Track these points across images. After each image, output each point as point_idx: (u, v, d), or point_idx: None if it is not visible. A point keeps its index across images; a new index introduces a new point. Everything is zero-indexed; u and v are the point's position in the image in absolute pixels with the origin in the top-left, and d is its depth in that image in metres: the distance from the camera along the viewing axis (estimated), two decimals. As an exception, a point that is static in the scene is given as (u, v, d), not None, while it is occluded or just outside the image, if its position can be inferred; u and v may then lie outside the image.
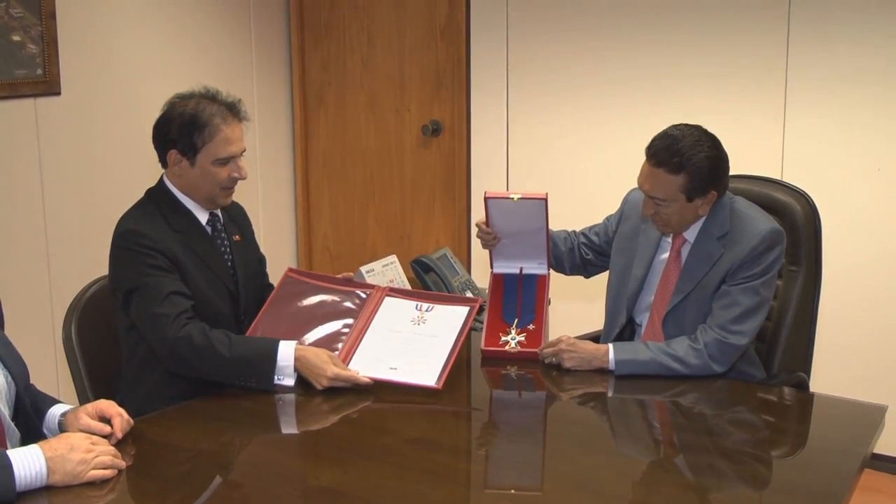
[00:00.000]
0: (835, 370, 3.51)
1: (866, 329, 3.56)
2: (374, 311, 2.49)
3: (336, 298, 2.51)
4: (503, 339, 2.52)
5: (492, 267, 2.68)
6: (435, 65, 4.41)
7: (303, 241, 4.71)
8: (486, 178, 4.30)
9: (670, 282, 2.52)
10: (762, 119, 3.65)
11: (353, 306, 2.50)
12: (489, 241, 2.63)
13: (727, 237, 2.45)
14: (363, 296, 2.54)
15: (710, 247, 2.47)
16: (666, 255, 2.56)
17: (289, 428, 2.23)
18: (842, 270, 3.50)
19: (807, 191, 2.75)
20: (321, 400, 2.24)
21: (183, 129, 2.36)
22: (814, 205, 2.72)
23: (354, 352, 2.37)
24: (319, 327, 2.44)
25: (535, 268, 2.65)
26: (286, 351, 2.26)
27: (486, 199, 2.54)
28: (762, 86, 3.64)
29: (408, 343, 2.41)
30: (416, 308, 2.52)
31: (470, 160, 4.37)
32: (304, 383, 2.28)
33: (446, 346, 2.38)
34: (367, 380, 2.26)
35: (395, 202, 4.62)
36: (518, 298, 2.60)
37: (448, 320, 2.47)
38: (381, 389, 2.27)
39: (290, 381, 2.26)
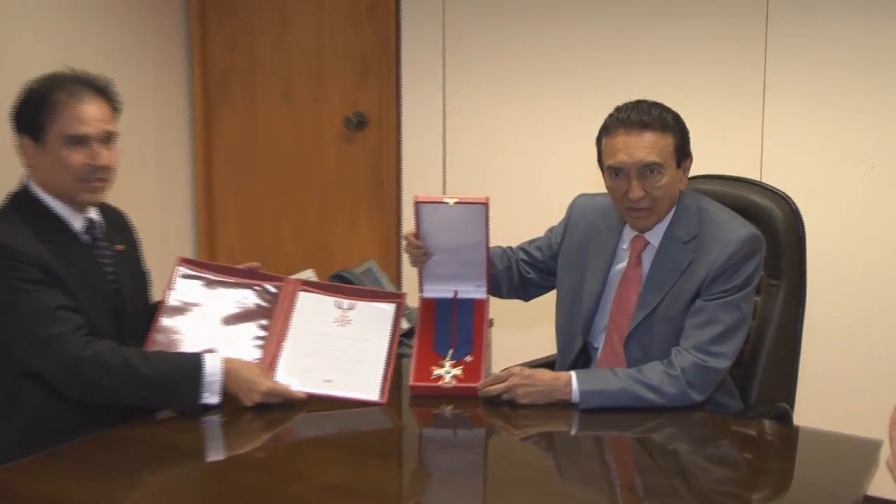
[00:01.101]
0: (822, 400, 3.52)
1: (858, 352, 3.59)
2: (291, 309, 2.53)
3: (244, 295, 2.55)
4: (436, 372, 2.51)
5: (421, 290, 2.66)
6: (360, 48, 4.41)
7: (204, 253, 4.69)
8: (420, 180, 4.30)
9: (631, 295, 2.52)
10: (736, 111, 3.68)
11: (265, 304, 2.54)
12: (419, 257, 2.61)
13: (696, 242, 2.47)
14: (274, 290, 2.57)
15: (676, 252, 2.48)
16: (623, 265, 2.56)
17: (195, 462, 2.19)
18: (829, 284, 3.52)
19: (788, 193, 2.76)
20: (251, 417, 2.30)
21: (30, 107, 2.36)
22: (796, 209, 2.73)
23: (278, 361, 2.44)
24: (230, 333, 2.48)
25: (473, 291, 2.64)
26: (213, 365, 2.30)
27: (416, 203, 2.52)
28: (736, 73, 3.66)
29: (337, 349, 2.48)
30: (337, 305, 2.57)
31: (400, 158, 4.37)
32: (227, 398, 2.34)
33: (381, 353, 2.49)
34: (303, 395, 2.36)
35: (314, 208, 4.60)
36: (453, 326, 2.59)
37: (374, 320, 2.56)
38: (314, 404, 2.36)
39: (215, 399, 2.31)
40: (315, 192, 4.59)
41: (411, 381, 2.48)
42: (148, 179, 4.41)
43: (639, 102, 2.46)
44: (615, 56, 3.87)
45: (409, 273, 3.97)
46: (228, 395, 2.32)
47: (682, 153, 2.46)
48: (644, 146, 2.41)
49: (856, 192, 3.54)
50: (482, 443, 2.37)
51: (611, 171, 2.46)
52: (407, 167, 4.36)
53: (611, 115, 2.48)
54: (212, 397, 2.29)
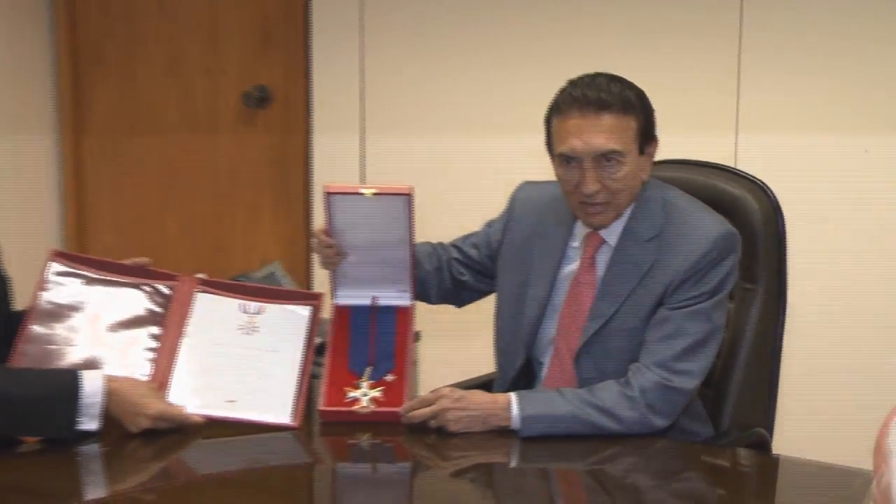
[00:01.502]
0: (806, 424, 3.57)
1: (848, 368, 3.64)
2: (186, 314, 2.54)
3: (131, 297, 2.55)
4: (351, 395, 2.50)
5: (334, 296, 2.65)
6: (261, 10, 4.42)
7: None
8: (333, 167, 4.30)
9: (583, 303, 2.53)
10: (709, 88, 3.71)
11: (157, 308, 2.55)
12: (331, 258, 2.60)
13: (661, 240, 2.48)
14: (167, 291, 2.57)
15: (637, 252, 2.49)
16: (575, 266, 2.56)
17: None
18: (815, 288, 3.57)
19: (766, 181, 2.78)
20: (137, 446, 2.28)
21: None
22: (775, 200, 2.75)
23: (171, 378, 2.45)
24: (113, 343, 2.48)
25: (395, 297, 2.64)
26: (92, 384, 2.28)
27: (326, 194, 2.51)
28: (709, 44, 3.70)
29: (241, 362, 2.50)
30: (242, 309, 2.58)
31: (311, 142, 4.37)
32: (110, 425, 2.32)
33: (294, 366, 2.50)
34: (200, 418, 2.37)
35: (207, 200, 4.59)
36: (371, 339, 2.58)
37: (286, 326, 2.57)
38: (213, 427, 2.37)
39: (94, 425, 2.28)
40: (208, 182, 4.57)
41: (321, 405, 2.47)
42: (3, 167, 4.36)
43: (596, 76, 2.46)
44: (568, 22, 3.90)
45: (320, 277, 3.95)
46: (110, 419, 2.29)
47: (647, 137, 2.47)
48: (601, 131, 2.41)
49: (847, 180, 3.59)
50: (406, 479, 2.36)
51: (562, 159, 2.46)
52: (318, 152, 4.36)
53: (562, 91, 2.47)
54: (90, 423, 2.27)
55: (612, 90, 2.42)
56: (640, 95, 2.46)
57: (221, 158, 4.55)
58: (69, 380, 2.28)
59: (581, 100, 2.41)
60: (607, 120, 2.41)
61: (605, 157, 2.41)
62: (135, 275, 2.58)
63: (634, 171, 2.46)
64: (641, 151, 2.46)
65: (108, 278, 2.56)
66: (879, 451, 0.97)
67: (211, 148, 4.56)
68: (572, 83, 2.47)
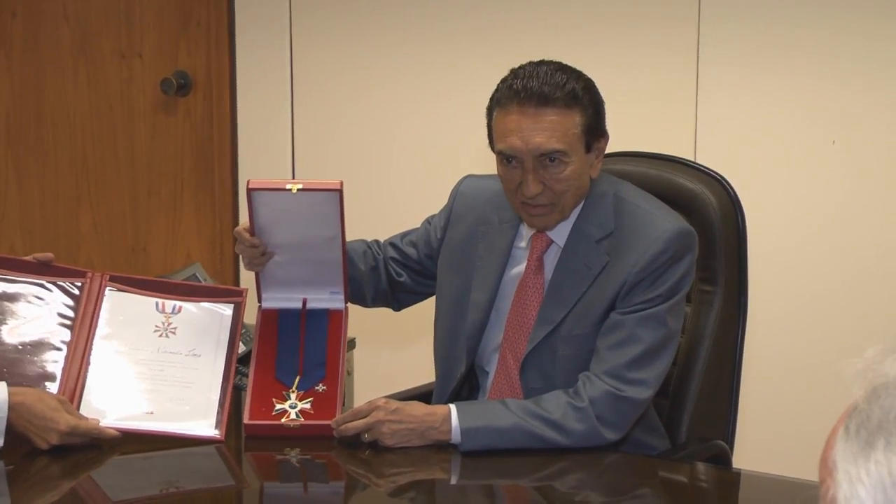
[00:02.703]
0: (768, 436, 3.61)
1: (814, 376, 3.67)
2: (96, 314, 2.53)
3: (35, 297, 2.52)
4: (278, 407, 2.49)
5: (260, 299, 2.65)
6: (181, -13, 4.41)
7: (-26, 256, 4.57)
8: (261, 160, 4.30)
9: (530, 308, 2.54)
10: (664, 74, 3.74)
11: (64, 309, 2.53)
12: (256, 258, 2.59)
13: (612, 240, 2.49)
14: (75, 291, 2.55)
15: (587, 253, 2.50)
16: (521, 269, 2.57)
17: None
18: (776, 290, 3.60)
19: (724, 174, 2.80)
20: (46, 464, 2.26)
21: None
22: (734, 194, 2.77)
23: (82, 388, 2.42)
24: (16, 350, 2.45)
25: (327, 299, 2.64)
26: None
27: (249, 190, 2.50)
28: (664, 27, 3.72)
29: (158, 368, 2.48)
30: (158, 308, 2.56)
31: (236, 132, 4.37)
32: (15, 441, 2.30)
33: (216, 372, 2.50)
34: (115, 433, 2.35)
35: (122, 196, 4.57)
36: (300, 345, 2.58)
37: (207, 327, 2.56)
38: (131, 441, 2.35)
39: None
40: (123, 176, 4.55)
41: (246, 419, 2.46)
42: None
43: (539, 64, 2.45)
44: (516, 7, 3.90)
45: (247, 281, 3.94)
46: (15, 435, 2.27)
47: (594, 133, 2.46)
48: (543, 128, 2.41)
49: (811, 173, 3.62)
50: (339, 499, 2.37)
51: (501, 157, 2.47)
52: (244, 143, 4.36)
53: (503, 82, 2.47)
54: None
55: (556, 82, 2.40)
56: (588, 87, 2.45)
57: (138, 151, 4.52)
58: None
59: (521, 93, 2.41)
60: (549, 116, 2.40)
61: (548, 157, 2.42)
62: (38, 272, 2.55)
63: (580, 171, 2.46)
64: (588, 149, 2.46)
65: (9, 277, 2.53)
66: (825, 465, 1.00)
67: (127, 139, 4.52)
68: (514, 73, 2.46)
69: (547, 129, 2.40)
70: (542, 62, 2.47)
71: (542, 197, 2.45)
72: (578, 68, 2.49)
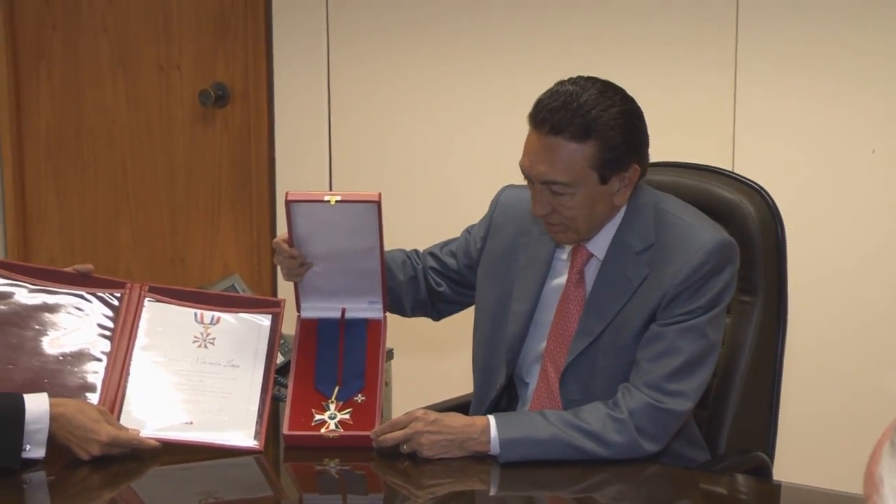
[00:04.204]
0: (810, 448, 3.58)
1: (855, 387, 3.64)
2: (136, 325, 2.53)
3: (76, 308, 2.53)
4: (318, 418, 2.49)
5: (298, 309, 2.65)
6: (218, 0, 4.40)
7: (15, 265, 4.61)
8: (298, 171, 4.30)
9: (570, 319, 2.53)
10: (702, 85, 3.73)
11: (104, 320, 2.53)
12: (295, 269, 2.60)
13: (653, 252, 2.48)
14: (114, 301, 2.55)
15: (628, 265, 2.49)
16: (562, 280, 2.57)
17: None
18: (817, 301, 3.58)
19: (763, 185, 2.79)
20: (87, 474, 2.26)
21: None
22: (774, 205, 2.76)
23: (123, 399, 2.43)
24: (57, 361, 2.45)
25: (366, 309, 2.64)
26: (37, 408, 2.27)
27: (287, 202, 2.51)
28: (703, 38, 3.71)
29: (197, 378, 2.49)
30: (197, 319, 2.57)
31: (273, 143, 4.37)
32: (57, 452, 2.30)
33: (255, 382, 2.50)
34: (155, 443, 2.36)
35: (161, 207, 4.59)
36: (339, 356, 2.58)
37: (246, 337, 2.56)
38: (171, 451, 2.36)
39: (39, 453, 2.27)
40: (162, 187, 4.57)
41: (286, 430, 2.46)
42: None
43: (562, 89, 2.43)
44: (556, 17, 3.90)
45: (285, 291, 3.94)
46: (56, 446, 2.28)
47: (613, 166, 2.42)
48: (546, 159, 2.40)
49: (851, 183, 3.60)
50: (379, 511, 2.37)
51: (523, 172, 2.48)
52: (282, 154, 4.36)
53: (540, 97, 2.46)
54: (36, 450, 2.26)
55: (575, 109, 2.38)
56: (618, 116, 2.40)
57: (177, 162, 4.54)
58: (12, 404, 2.26)
59: (539, 115, 2.40)
60: (554, 147, 2.39)
61: (551, 186, 2.42)
62: (79, 283, 2.55)
63: (591, 200, 2.43)
64: (604, 180, 2.43)
65: (50, 288, 2.54)
66: (871, 480, 1.00)
67: (165, 151, 4.54)
68: (550, 90, 2.45)
69: (549, 160, 2.40)
70: (576, 81, 2.44)
71: (552, 217, 2.46)
72: (622, 86, 2.46)
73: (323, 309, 2.64)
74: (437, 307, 2.81)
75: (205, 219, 4.54)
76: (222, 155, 4.49)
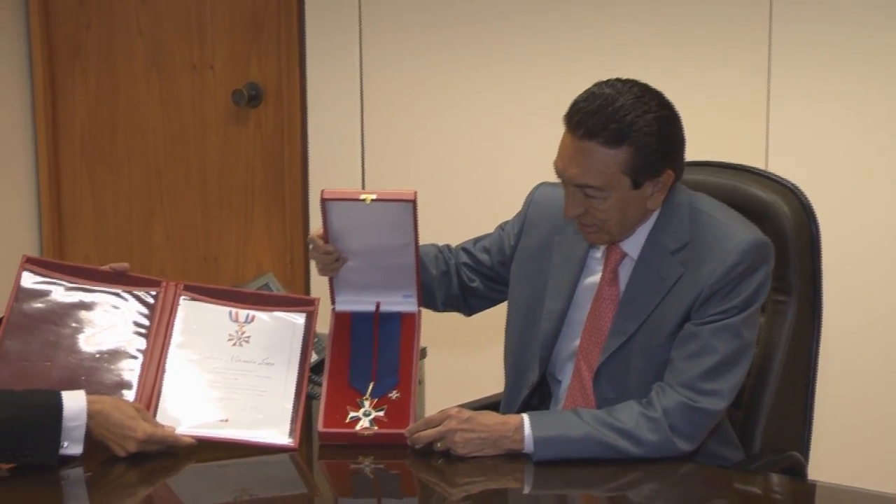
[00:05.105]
0: (845, 447, 3.57)
1: (888, 387, 3.63)
2: (171, 323, 2.55)
3: (112, 306, 2.55)
4: (352, 415, 2.50)
5: (333, 302, 2.66)
6: (252, 0, 4.42)
7: (50, 266, 4.62)
8: (331, 170, 4.31)
9: (604, 318, 2.54)
10: (735, 82, 3.72)
11: (139, 318, 2.55)
12: (329, 264, 2.60)
13: (688, 251, 2.49)
14: (150, 300, 2.56)
15: (662, 265, 2.49)
16: (596, 279, 2.57)
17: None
18: (852, 300, 3.56)
19: (798, 184, 2.79)
20: (123, 471, 2.28)
21: None
22: (808, 204, 2.76)
23: (159, 396, 2.45)
24: (94, 358, 2.47)
25: (400, 302, 2.64)
26: (74, 405, 2.28)
27: (323, 200, 2.52)
28: (736, 36, 3.71)
29: (233, 378, 2.50)
30: (231, 317, 2.58)
31: (306, 143, 4.38)
32: (93, 449, 2.31)
33: (290, 380, 2.51)
34: (191, 440, 2.37)
35: (194, 206, 4.61)
36: (374, 351, 2.58)
37: (280, 336, 2.57)
38: (206, 449, 2.37)
39: (77, 450, 2.28)
40: (196, 186, 4.59)
41: (321, 427, 2.47)
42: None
43: (598, 91, 2.43)
44: (589, 15, 3.90)
45: (319, 289, 3.95)
46: (93, 443, 2.30)
47: (646, 171, 2.42)
48: (579, 162, 2.41)
49: (887, 182, 3.58)
50: (412, 508, 2.38)
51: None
52: (315, 154, 4.37)
53: (575, 99, 2.45)
54: (74, 447, 2.27)
55: (609, 114, 2.38)
56: (653, 122, 2.40)
57: (210, 161, 4.56)
58: (50, 402, 2.28)
59: (574, 117, 2.41)
60: (587, 151, 2.39)
61: (583, 189, 2.42)
62: (114, 282, 2.57)
63: (623, 204, 2.44)
64: (637, 185, 2.43)
65: (86, 286, 2.56)
66: None
67: (198, 150, 4.56)
68: (586, 92, 2.44)
69: (580, 164, 2.41)
70: (613, 83, 2.44)
71: (585, 219, 2.47)
72: (658, 89, 2.46)
73: (357, 303, 2.64)
74: (469, 303, 2.81)
75: (238, 218, 4.56)
76: (255, 154, 4.50)
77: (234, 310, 2.60)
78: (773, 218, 2.70)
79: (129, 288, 2.57)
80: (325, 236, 2.57)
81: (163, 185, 4.63)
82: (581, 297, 2.58)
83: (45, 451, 2.26)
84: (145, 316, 2.55)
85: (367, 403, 2.51)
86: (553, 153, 2.47)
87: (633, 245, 2.52)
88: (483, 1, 4.05)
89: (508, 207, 2.81)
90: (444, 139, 4.18)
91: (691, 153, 2.61)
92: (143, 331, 2.53)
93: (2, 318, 2.50)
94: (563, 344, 2.59)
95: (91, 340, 2.50)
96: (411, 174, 4.11)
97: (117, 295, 2.56)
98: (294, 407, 2.47)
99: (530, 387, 2.61)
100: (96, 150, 4.67)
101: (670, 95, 2.49)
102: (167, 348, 2.52)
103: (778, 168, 3.09)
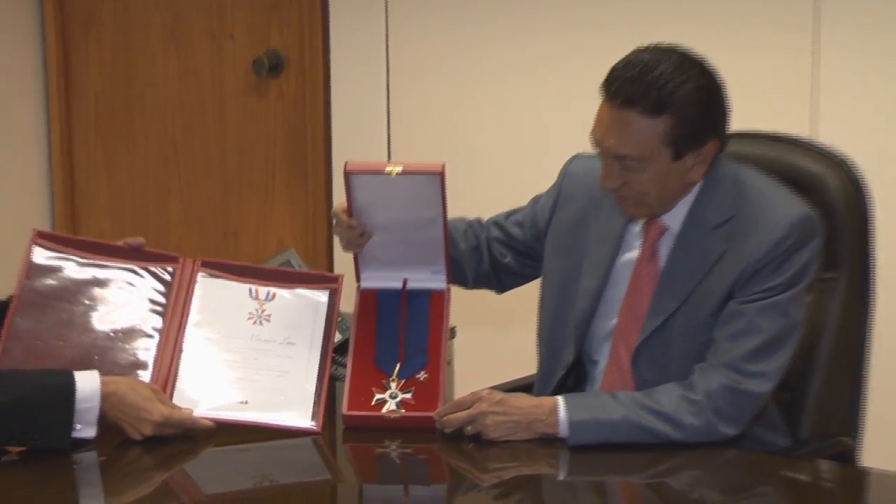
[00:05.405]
0: None
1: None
2: (189, 301, 2.55)
3: (127, 283, 2.54)
4: (378, 397, 2.49)
5: (358, 279, 2.65)
6: (272, -35, 4.45)
7: (64, 242, 4.65)
8: (356, 141, 4.32)
9: (642, 297, 2.53)
10: (781, 46, 3.72)
11: (156, 295, 2.54)
12: (354, 239, 2.60)
13: (731, 226, 2.47)
14: (166, 277, 2.55)
15: (704, 240, 2.48)
16: (634, 255, 2.56)
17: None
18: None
19: (848, 155, 2.77)
20: (138, 455, 2.29)
21: None
22: (858, 176, 2.74)
23: (176, 377, 2.46)
24: (108, 337, 2.48)
25: (428, 279, 2.64)
26: (87, 386, 2.29)
27: (346, 173, 2.52)
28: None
29: (253, 358, 2.51)
30: (252, 295, 2.57)
31: (330, 113, 4.39)
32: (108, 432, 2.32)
33: (312, 360, 2.51)
34: (209, 423, 2.38)
35: (213, 180, 4.62)
36: (401, 330, 2.58)
37: (303, 314, 2.56)
38: (225, 432, 2.38)
39: (91, 433, 2.29)
40: (214, 160, 4.60)
41: (345, 410, 2.46)
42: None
43: (637, 58, 2.42)
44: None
45: (343, 266, 3.94)
46: (108, 425, 2.30)
47: (688, 141, 2.41)
48: (616, 132, 2.40)
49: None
50: (441, 495, 2.37)
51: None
52: (338, 125, 4.38)
53: (613, 66, 2.45)
54: (87, 430, 2.28)
55: (649, 82, 2.36)
56: (694, 91, 2.39)
57: (229, 133, 4.57)
58: (62, 382, 2.28)
59: (612, 85, 2.40)
60: (625, 120, 2.38)
61: (621, 160, 2.41)
62: (129, 258, 2.56)
63: (663, 176, 2.43)
64: (679, 155, 2.42)
65: (100, 262, 2.55)
66: None
67: (217, 122, 4.57)
68: (625, 59, 2.43)
69: (618, 133, 2.40)
70: (646, 49, 2.44)
71: (622, 192, 2.46)
72: (702, 58, 2.45)
73: (384, 279, 2.64)
74: (500, 279, 2.81)
75: (258, 192, 4.57)
76: (276, 126, 4.52)
77: (254, 287, 2.58)
78: (820, 191, 2.69)
79: (145, 264, 2.57)
80: (350, 211, 2.57)
81: (180, 159, 4.65)
82: (618, 275, 2.57)
83: (56, 434, 2.26)
84: (161, 293, 2.54)
85: (393, 385, 2.51)
86: (588, 124, 2.46)
87: (674, 219, 2.51)
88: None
89: (541, 180, 2.80)
90: (473, 109, 4.18)
91: (735, 124, 2.58)
92: (159, 309, 2.53)
93: (13, 295, 2.50)
94: (599, 323, 2.58)
95: (105, 318, 2.50)
96: (439, 145, 4.10)
97: (132, 271, 2.55)
98: (317, 388, 2.47)
99: (565, 368, 2.60)
100: (111, 124, 4.68)
101: (712, 60, 2.48)
102: (184, 327, 2.52)
103: (826, 138, 3.06)
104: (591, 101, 2.46)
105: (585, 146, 2.55)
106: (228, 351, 2.50)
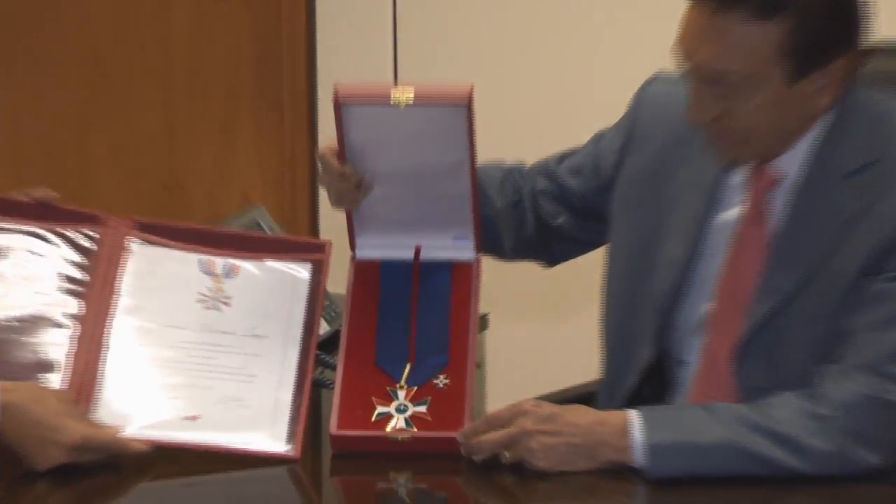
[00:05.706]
0: None
1: None
2: (118, 276, 2.55)
3: (30, 252, 2.56)
4: (380, 411, 2.52)
5: (353, 247, 2.68)
6: None
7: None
8: (349, 56, 4.39)
9: (748, 272, 2.55)
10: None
11: (73, 271, 2.55)
12: (347, 192, 2.61)
13: (872, 174, 2.47)
14: (88, 244, 2.57)
15: (834, 193, 2.49)
16: (734, 214, 2.57)
17: None
18: None
19: None
20: (46, 492, 2.29)
21: None
22: None
23: (98, 382, 2.46)
24: (10, 327, 2.48)
25: (450, 247, 2.66)
26: None
27: (337, 101, 2.52)
28: None
29: (205, 356, 2.52)
30: (204, 268, 2.59)
31: (314, 19, 4.47)
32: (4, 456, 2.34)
33: (287, 361, 2.52)
34: (143, 446, 2.37)
35: (153, 112, 4.69)
36: (412, 318, 2.60)
37: (275, 295, 2.59)
38: (165, 459, 2.38)
39: None
40: (155, 84, 4.67)
41: (334, 429, 2.47)
42: None
43: None
44: None
45: (332, 229, 3.95)
46: (4, 450, 2.31)
47: (809, 57, 2.41)
48: (711, 40, 2.41)
49: None
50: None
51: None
52: (324, 36, 4.44)
53: None
54: None
55: None
56: None
57: (175, 49, 4.65)
58: None
59: None
60: (726, 26, 2.38)
61: (716, 82, 2.41)
62: (34, 217, 2.58)
63: (777, 106, 2.44)
64: (800, 75, 2.41)
65: (2, 225, 2.56)
66: None
67: (158, 32, 4.64)
68: None
69: (720, 43, 2.40)
70: None
71: (719, 126, 2.46)
72: None
73: (388, 247, 2.67)
74: (550, 247, 2.87)
75: (215, 129, 4.65)
76: (241, 38, 4.59)
77: (207, 257, 2.60)
78: None
79: (56, 226, 2.57)
80: (342, 153, 2.57)
81: (107, 82, 4.71)
82: (713, 241, 2.60)
83: None
84: (80, 266, 2.55)
85: (401, 394, 2.52)
86: (663, 38, 2.48)
87: (791, 166, 2.52)
88: None
89: (602, 112, 2.83)
90: (513, 21, 4.26)
91: (879, 31, 2.59)
92: (75, 288, 2.54)
93: None
94: (688, 309, 2.61)
95: (9, 302, 2.50)
96: (460, 65, 4.18)
97: (38, 236, 2.57)
98: (294, 399, 2.48)
99: (640, 371, 2.63)
100: (10, 35, 4.73)
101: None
102: (110, 313, 2.51)
103: None
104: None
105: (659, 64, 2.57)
106: (172, 347, 2.51)
